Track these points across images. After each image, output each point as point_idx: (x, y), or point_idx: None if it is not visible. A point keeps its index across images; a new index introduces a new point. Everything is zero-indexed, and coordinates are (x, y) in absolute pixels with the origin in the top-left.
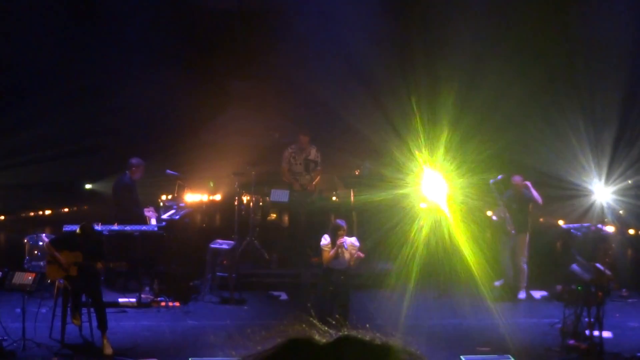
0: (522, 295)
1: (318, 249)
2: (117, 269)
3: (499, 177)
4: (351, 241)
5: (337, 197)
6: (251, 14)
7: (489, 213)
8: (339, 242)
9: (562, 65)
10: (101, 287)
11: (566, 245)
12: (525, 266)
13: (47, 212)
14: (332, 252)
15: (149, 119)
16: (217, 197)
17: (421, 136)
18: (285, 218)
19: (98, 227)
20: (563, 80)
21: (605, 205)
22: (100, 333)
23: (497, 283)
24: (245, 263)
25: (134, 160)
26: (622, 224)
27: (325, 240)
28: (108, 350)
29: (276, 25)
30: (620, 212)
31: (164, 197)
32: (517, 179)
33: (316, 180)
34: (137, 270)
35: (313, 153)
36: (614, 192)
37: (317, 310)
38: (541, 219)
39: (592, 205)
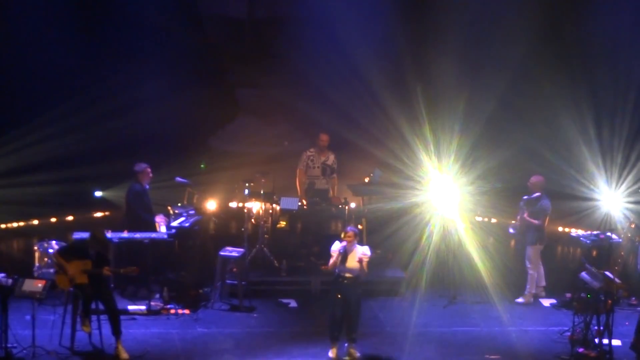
0: (520, 299)
1: (326, 256)
2: (128, 274)
3: (534, 195)
4: (362, 250)
5: (346, 205)
6: (261, 22)
7: (510, 230)
8: (339, 247)
9: (572, 70)
10: (113, 293)
11: (575, 253)
12: (532, 273)
13: (57, 219)
14: (334, 258)
15: (158, 126)
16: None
17: (431, 143)
18: (299, 225)
19: (108, 235)
20: (573, 86)
21: (615, 214)
22: (114, 339)
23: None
24: (255, 271)
25: (136, 167)
26: (631, 232)
27: (336, 246)
28: (124, 356)
29: (285, 34)
30: (632, 225)
31: (179, 205)
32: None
33: (336, 187)
34: (147, 278)
35: (331, 159)
36: (625, 201)
37: (329, 318)
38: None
39: (602, 213)
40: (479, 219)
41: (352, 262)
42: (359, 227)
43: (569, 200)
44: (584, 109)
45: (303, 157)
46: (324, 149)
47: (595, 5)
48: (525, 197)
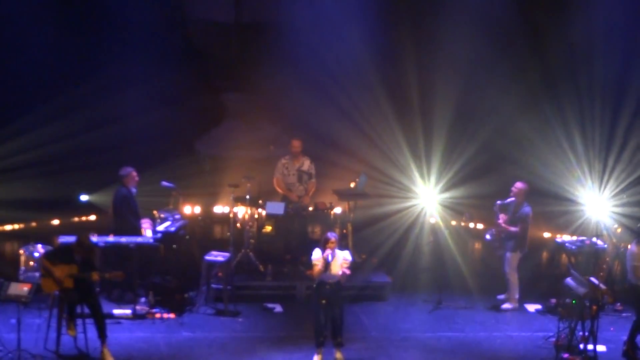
0: (505, 305)
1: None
2: (113, 279)
3: (507, 200)
4: (343, 255)
5: (332, 210)
6: (247, 26)
7: (487, 237)
8: (324, 254)
9: (556, 76)
10: (99, 297)
11: (560, 258)
12: (512, 279)
13: (42, 223)
14: (320, 266)
15: (144, 130)
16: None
17: (420, 147)
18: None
19: (94, 239)
20: (557, 91)
21: (601, 219)
22: (99, 343)
23: (500, 296)
24: (240, 275)
25: (122, 171)
26: (617, 238)
27: (317, 254)
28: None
29: (272, 38)
30: (618, 230)
31: (165, 209)
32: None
33: (311, 192)
34: (132, 282)
35: (307, 164)
36: (611, 206)
37: (313, 324)
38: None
39: (586, 218)
40: (464, 224)
41: (334, 268)
42: (344, 232)
43: (553, 205)
44: (569, 115)
45: (278, 165)
46: (298, 155)
47: (561, 18)
48: (498, 201)
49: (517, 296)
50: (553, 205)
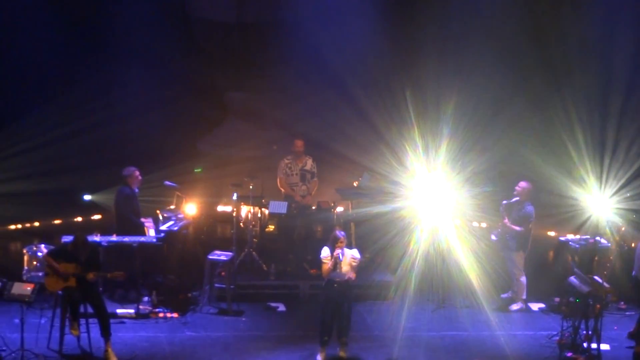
0: (513, 306)
1: (317, 261)
2: (115, 278)
3: (513, 199)
4: (351, 253)
5: (335, 209)
6: (249, 26)
7: (493, 237)
8: (335, 253)
9: (560, 77)
10: (102, 296)
11: (564, 257)
12: (523, 279)
13: (45, 223)
14: (329, 264)
15: (146, 130)
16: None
17: (420, 147)
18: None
19: (97, 238)
20: (562, 92)
21: (605, 218)
22: (102, 342)
23: (504, 295)
24: (243, 274)
25: (124, 171)
26: (621, 236)
27: (325, 252)
28: (113, 359)
29: (274, 37)
30: (622, 228)
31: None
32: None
33: (314, 191)
34: (135, 282)
35: (309, 164)
36: (614, 204)
37: (319, 322)
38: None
39: (590, 217)
40: (468, 222)
41: (343, 267)
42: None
43: (557, 203)
44: (572, 115)
45: (281, 165)
46: (301, 155)
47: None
48: (504, 201)
49: (524, 296)
50: (558, 209)
